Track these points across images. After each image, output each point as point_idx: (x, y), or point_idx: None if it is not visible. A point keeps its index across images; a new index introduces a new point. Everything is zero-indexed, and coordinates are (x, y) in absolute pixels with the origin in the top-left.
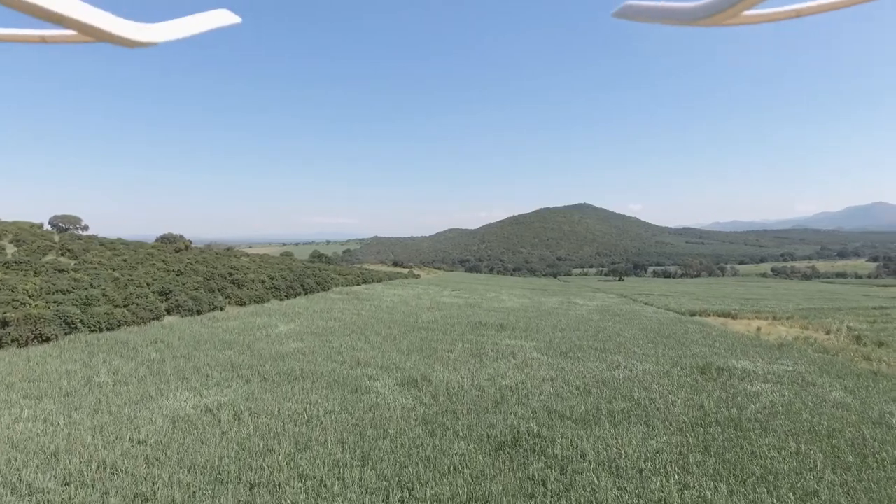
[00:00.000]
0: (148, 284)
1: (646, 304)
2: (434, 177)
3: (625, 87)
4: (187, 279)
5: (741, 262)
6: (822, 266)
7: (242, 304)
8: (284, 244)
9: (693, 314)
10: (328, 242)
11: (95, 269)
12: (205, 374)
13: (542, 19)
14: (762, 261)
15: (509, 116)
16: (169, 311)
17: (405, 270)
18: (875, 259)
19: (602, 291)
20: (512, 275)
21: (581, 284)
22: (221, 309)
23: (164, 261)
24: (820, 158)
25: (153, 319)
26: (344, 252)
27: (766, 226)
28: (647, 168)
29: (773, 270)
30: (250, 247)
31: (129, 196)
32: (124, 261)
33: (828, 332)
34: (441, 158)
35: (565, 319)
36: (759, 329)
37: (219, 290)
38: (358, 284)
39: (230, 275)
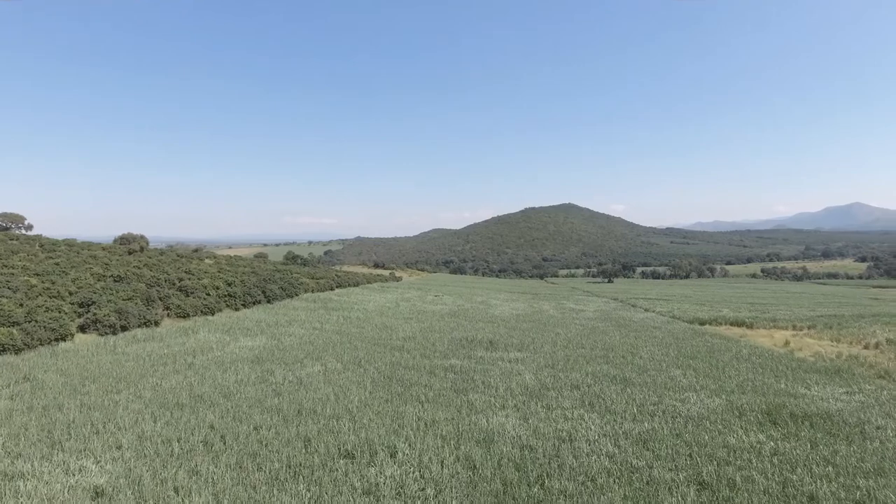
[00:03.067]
0: (70, 293)
1: (646, 310)
2: (419, 178)
3: (607, 88)
4: (125, 286)
5: (728, 263)
6: (810, 266)
7: (185, 316)
8: (266, 244)
9: (703, 323)
10: (310, 243)
11: (12, 274)
12: (55, 442)
13: (529, 19)
14: (749, 261)
15: (495, 117)
16: (84, 328)
17: (386, 272)
18: (863, 259)
19: (594, 295)
20: (497, 276)
21: (570, 286)
22: (156, 324)
23: (106, 264)
24: (798, 159)
25: (57, 340)
26: (325, 253)
27: (747, 226)
28: (629, 169)
29: (762, 271)
30: (230, 247)
31: (122, 197)
32: (56, 264)
33: (866, 347)
34: (426, 159)
35: (565, 332)
36: (787, 343)
37: (160, 298)
38: (331, 289)
39: (180, 280)
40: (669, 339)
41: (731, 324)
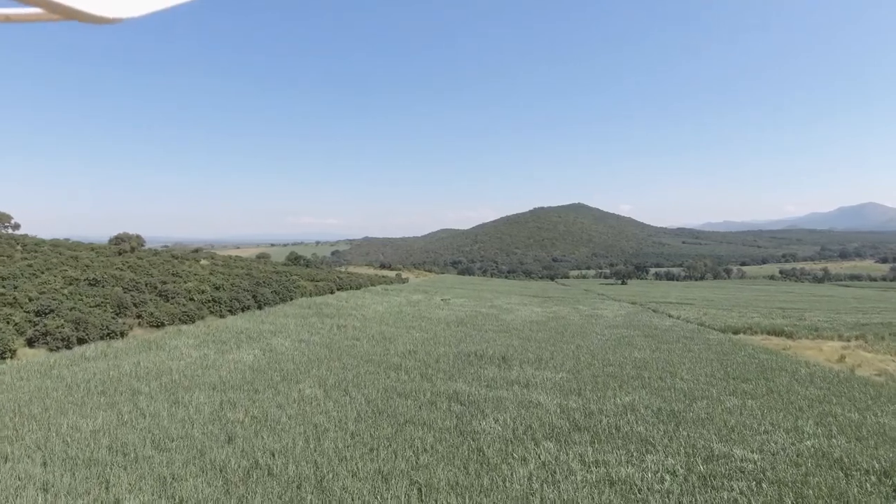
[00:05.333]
0: (30, 300)
1: (670, 315)
2: (425, 178)
3: (608, 86)
4: (97, 291)
5: (743, 264)
6: (830, 267)
7: (159, 325)
8: (273, 245)
9: (736, 331)
10: (317, 243)
11: None
12: None
13: (524, 17)
14: (764, 262)
15: (492, 115)
16: (32, 342)
17: (392, 273)
18: (884, 260)
19: (610, 298)
20: (507, 277)
21: (583, 288)
22: (122, 335)
23: (87, 266)
24: (809, 158)
25: None
26: (332, 253)
27: (758, 226)
28: (635, 168)
29: (781, 272)
30: (237, 248)
31: (128, 198)
32: (29, 266)
33: None
34: (429, 158)
35: (586, 344)
36: (843, 359)
37: (135, 305)
38: (331, 292)
39: (162, 284)
40: (708, 353)
41: (768, 333)
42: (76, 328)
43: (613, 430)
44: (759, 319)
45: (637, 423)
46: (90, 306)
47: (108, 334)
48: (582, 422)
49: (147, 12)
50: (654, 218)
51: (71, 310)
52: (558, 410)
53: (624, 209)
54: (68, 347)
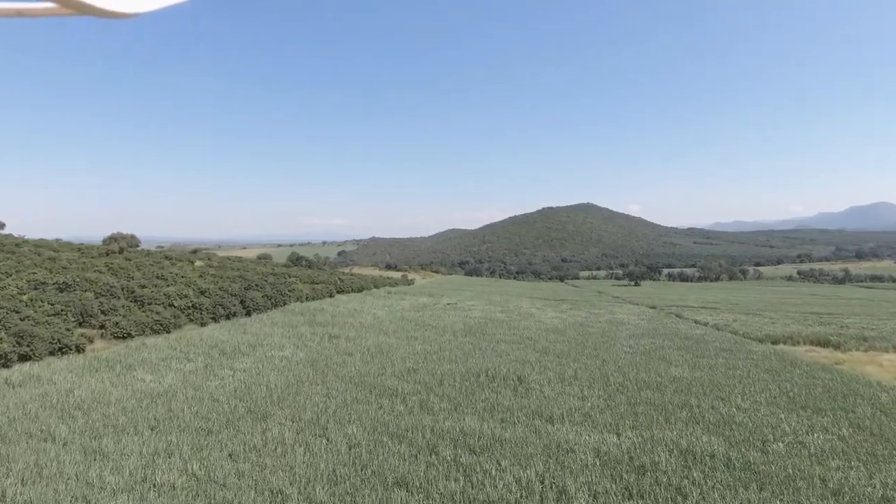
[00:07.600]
0: None
1: (697, 321)
2: (434, 179)
3: (612, 87)
4: (63, 297)
5: (757, 264)
6: (850, 268)
7: (126, 336)
8: (280, 245)
9: (775, 341)
10: (324, 243)
11: None
12: None
13: (531, 19)
14: (779, 262)
15: (499, 117)
16: None
17: (398, 275)
18: None
19: (626, 301)
20: (515, 278)
21: (596, 290)
22: (78, 349)
23: (64, 267)
24: (815, 159)
25: None
26: (338, 254)
27: (768, 226)
28: (644, 168)
29: (799, 273)
30: (244, 248)
31: (134, 199)
32: None
33: None
34: (441, 160)
35: (612, 357)
36: None
37: (104, 312)
38: (330, 296)
39: (141, 288)
40: (758, 371)
41: (811, 343)
42: (18, 343)
43: (679, 498)
44: (797, 327)
45: (706, 484)
46: (48, 315)
47: (61, 349)
48: (632, 483)
49: (158, 7)
50: (663, 218)
51: (23, 320)
52: (597, 462)
53: (633, 209)
54: (6, 366)
